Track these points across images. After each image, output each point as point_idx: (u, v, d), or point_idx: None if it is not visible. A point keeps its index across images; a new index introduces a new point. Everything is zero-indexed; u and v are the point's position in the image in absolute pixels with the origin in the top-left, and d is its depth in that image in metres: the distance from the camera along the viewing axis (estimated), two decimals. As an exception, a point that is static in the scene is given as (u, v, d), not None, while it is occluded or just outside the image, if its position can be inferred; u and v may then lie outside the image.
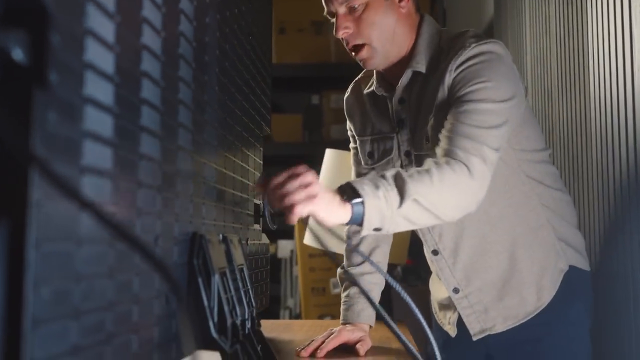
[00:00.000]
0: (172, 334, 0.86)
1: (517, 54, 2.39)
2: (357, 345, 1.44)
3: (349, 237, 1.60)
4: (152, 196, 0.78)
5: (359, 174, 1.63)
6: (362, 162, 1.59)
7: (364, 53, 1.40)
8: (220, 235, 1.07)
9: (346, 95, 1.64)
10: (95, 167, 0.61)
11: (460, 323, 1.53)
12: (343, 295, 1.59)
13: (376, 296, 1.56)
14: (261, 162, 1.64)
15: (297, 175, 1.12)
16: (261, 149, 1.64)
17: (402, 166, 1.50)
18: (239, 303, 1.11)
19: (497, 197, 1.36)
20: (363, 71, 1.61)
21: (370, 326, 1.58)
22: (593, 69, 1.69)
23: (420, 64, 1.42)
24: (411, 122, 1.46)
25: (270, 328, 1.85)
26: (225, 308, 0.97)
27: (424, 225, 1.32)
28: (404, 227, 1.23)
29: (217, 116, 1.11)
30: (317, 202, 1.11)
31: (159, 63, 0.80)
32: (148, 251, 0.53)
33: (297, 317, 3.45)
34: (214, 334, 0.93)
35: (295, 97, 4.05)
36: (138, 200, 0.73)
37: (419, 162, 1.44)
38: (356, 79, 1.64)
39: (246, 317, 1.12)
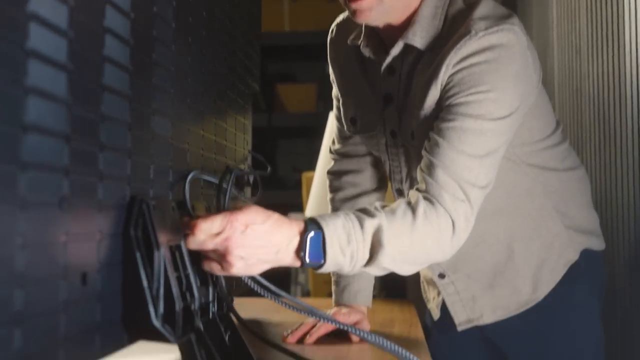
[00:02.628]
0: (95, 322, 0.69)
1: (542, 6, 2.16)
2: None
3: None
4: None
5: (341, 136, 1.43)
6: (344, 126, 1.38)
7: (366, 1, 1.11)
8: (174, 203, 0.89)
9: (330, 36, 1.37)
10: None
11: (445, 307, 1.35)
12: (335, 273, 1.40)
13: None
14: (249, 122, 1.45)
15: (215, 236, 0.90)
16: (249, 108, 1.45)
17: (386, 146, 1.29)
18: (203, 283, 0.93)
19: (493, 194, 1.13)
20: None
21: (368, 308, 1.40)
22: (629, 19, 1.47)
23: (418, 37, 1.15)
24: (399, 101, 1.22)
25: (263, 308, 1.68)
26: (174, 290, 0.79)
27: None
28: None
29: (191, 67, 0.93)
30: (235, 267, 0.91)
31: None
32: None
33: (309, 293, 3.29)
34: (155, 322, 0.76)
35: (309, 66, 3.90)
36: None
37: (406, 150, 1.25)
38: (343, 17, 1.35)
39: (210, 299, 0.94)
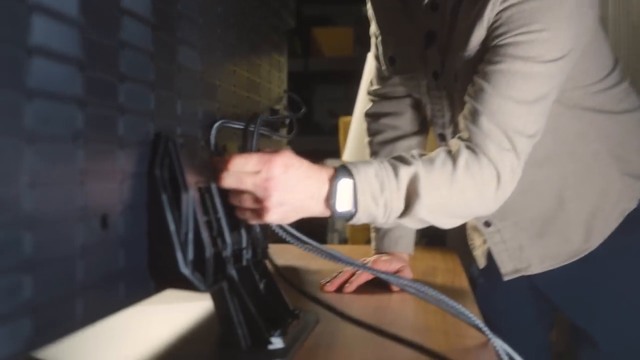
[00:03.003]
0: (118, 269, 0.63)
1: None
2: (392, 279, 1.20)
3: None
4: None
5: (380, 77, 1.35)
6: (382, 65, 1.29)
7: None
8: (204, 141, 0.83)
9: None
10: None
11: (491, 256, 1.28)
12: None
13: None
14: (284, 61, 1.38)
15: (259, 173, 0.83)
16: (285, 45, 1.37)
17: (427, 88, 1.20)
18: (235, 229, 0.87)
19: (543, 140, 1.03)
20: None
21: (410, 255, 1.33)
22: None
23: None
24: (442, 40, 1.13)
25: (299, 255, 1.63)
26: (204, 235, 0.73)
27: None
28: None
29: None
30: (272, 214, 0.84)
31: None
32: None
33: (346, 241, 3.24)
34: (183, 269, 0.70)
35: (346, 8, 3.79)
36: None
37: (449, 93, 1.16)
38: None
39: (243, 245, 0.89)
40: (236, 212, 0.85)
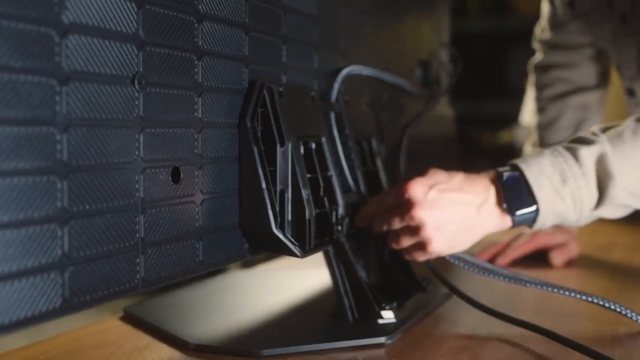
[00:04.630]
0: (193, 230, 0.58)
1: None
2: (553, 253, 1.05)
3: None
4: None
5: (554, 23, 1.17)
6: (558, 9, 1.13)
7: None
8: (315, 92, 0.75)
9: None
10: None
11: None
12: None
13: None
14: (444, 4, 1.25)
15: (401, 205, 0.72)
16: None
17: (613, 35, 1.01)
18: (347, 190, 0.79)
19: None
20: None
21: (579, 227, 1.17)
22: None
23: None
24: None
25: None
26: (304, 193, 0.66)
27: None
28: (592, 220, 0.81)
29: None
30: (436, 248, 0.72)
31: None
32: None
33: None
34: (275, 230, 0.63)
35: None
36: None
37: (639, 39, 0.96)
38: None
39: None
40: (404, 256, 0.76)
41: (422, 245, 0.72)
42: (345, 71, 0.82)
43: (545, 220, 0.75)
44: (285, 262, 1.06)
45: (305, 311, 0.76)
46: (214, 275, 0.94)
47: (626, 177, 0.74)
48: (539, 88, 1.22)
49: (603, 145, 0.75)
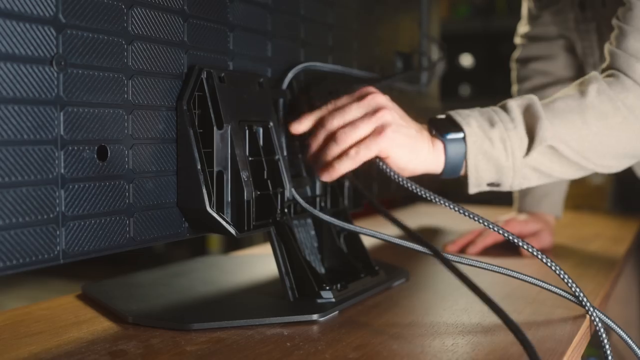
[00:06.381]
0: (121, 206, 0.60)
1: None
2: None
3: None
4: None
5: (530, 16, 1.20)
6: (529, 2, 1.17)
7: None
8: (264, 78, 0.77)
9: None
10: None
11: None
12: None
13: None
14: None
15: (360, 98, 0.75)
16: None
17: (575, 23, 1.05)
18: (310, 174, 0.81)
19: None
20: None
21: (557, 218, 1.17)
22: None
23: None
24: None
25: (424, 212, 1.52)
26: (243, 175, 0.68)
27: (564, 178, 0.84)
28: (535, 181, 0.81)
29: None
30: (391, 136, 0.73)
31: None
32: None
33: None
34: (209, 209, 0.66)
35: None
36: None
37: (598, 26, 1.00)
38: None
39: (318, 192, 0.82)
40: (349, 152, 0.73)
41: (377, 131, 0.73)
42: (301, 66, 0.83)
43: (476, 159, 0.77)
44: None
45: (254, 292, 0.78)
46: (192, 259, 0.98)
47: (555, 123, 0.77)
48: (519, 81, 1.23)
49: (530, 98, 0.80)
